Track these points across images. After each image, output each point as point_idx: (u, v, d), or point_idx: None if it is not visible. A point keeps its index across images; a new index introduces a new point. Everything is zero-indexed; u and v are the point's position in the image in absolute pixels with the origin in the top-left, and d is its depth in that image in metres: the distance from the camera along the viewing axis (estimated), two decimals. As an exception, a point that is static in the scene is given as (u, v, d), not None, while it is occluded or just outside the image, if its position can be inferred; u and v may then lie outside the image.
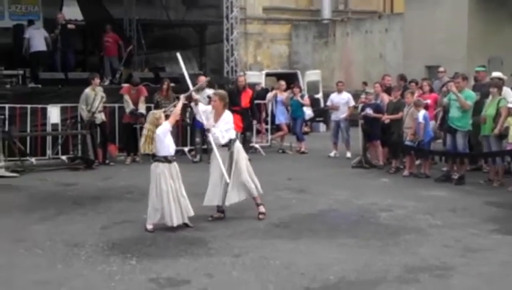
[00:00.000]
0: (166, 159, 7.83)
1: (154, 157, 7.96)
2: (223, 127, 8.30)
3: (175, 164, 7.97)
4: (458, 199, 9.95)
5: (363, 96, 14.06)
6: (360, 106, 13.83)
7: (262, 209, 8.42)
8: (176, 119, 8.18)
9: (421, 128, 11.79)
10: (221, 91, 9.17)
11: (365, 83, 20.13)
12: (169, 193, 7.76)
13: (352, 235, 7.71)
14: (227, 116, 8.43)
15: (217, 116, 8.38)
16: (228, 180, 8.12)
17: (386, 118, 12.70)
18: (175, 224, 7.73)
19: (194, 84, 14.36)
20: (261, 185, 8.56)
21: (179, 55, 9.29)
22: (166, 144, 7.81)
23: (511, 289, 5.88)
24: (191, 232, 7.78)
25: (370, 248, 7.15)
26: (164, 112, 8.48)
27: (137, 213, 8.74)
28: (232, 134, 8.43)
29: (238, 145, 8.47)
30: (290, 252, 6.99)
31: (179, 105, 8.21)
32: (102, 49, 17.49)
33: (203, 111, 8.51)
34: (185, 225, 7.91)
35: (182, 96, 8.59)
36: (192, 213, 7.98)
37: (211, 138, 8.30)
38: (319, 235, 7.71)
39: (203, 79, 14.13)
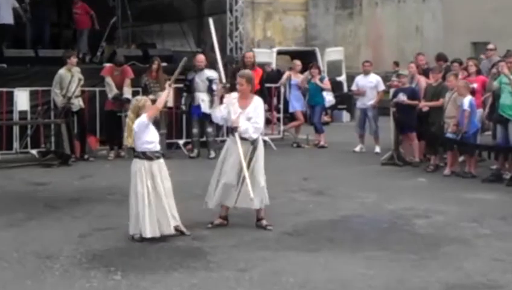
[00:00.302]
0: (144, 155, 7.83)
1: (134, 153, 8.00)
2: (257, 118, 8.28)
3: (159, 162, 7.93)
4: (510, 203, 9.94)
5: (394, 78, 14.05)
6: (392, 90, 13.82)
7: (265, 222, 8.40)
8: (156, 112, 8.12)
9: (465, 117, 11.77)
10: (247, 71, 9.03)
11: (396, 63, 20.11)
12: (144, 196, 7.73)
13: (382, 246, 7.71)
14: (258, 102, 8.42)
15: (244, 103, 8.32)
16: (249, 182, 8.05)
17: (424, 105, 12.68)
18: (148, 235, 7.69)
19: (226, 65, 14.57)
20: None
21: (211, 21, 9.30)
22: (144, 139, 7.81)
23: None
24: (187, 241, 7.80)
25: (403, 262, 7.14)
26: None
27: (122, 218, 8.71)
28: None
29: (260, 140, 8.48)
30: (307, 266, 6.99)
31: (164, 95, 8.19)
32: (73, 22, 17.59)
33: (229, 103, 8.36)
34: (180, 233, 7.92)
35: (168, 85, 8.54)
36: (176, 223, 7.93)
37: (237, 136, 8.22)
38: (342, 246, 7.71)
39: (201, 58, 14.20)
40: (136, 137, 7.79)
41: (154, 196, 7.75)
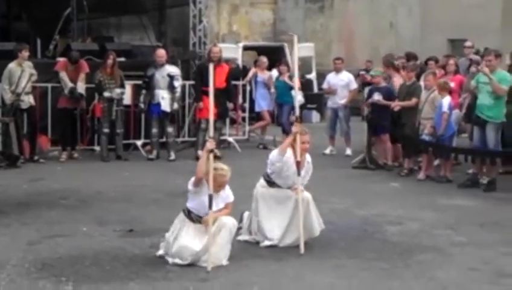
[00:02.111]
0: (189, 215, 7.49)
1: None
2: (307, 175, 8.49)
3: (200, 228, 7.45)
4: (488, 209, 10.06)
5: (363, 72, 14.12)
6: (367, 89, 13.89)
7: None
8: (197, 180, 7.44)
9: (444, 119, 11.86)
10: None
11: (369, 62, 20.22)
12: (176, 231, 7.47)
13: (352, 254, 7.76)
14: (308, 157, 8.51)
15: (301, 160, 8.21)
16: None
17: (396, 104, 12.73)
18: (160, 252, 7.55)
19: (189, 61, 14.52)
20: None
21: (295, 38, 9.08)
22: (189, 200, 7.54)
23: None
24: (145, 250, 7.76)
25: (374, 271, 7.19)
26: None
27: (75, 224, 8.75)
28: None
29: None
30: (273, 276, 7.00)
31: (201, 161, 7.48)
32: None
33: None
34: None
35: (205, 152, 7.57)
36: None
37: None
38: (310, 255, 7.73)
39: (162, 53, 14.16)
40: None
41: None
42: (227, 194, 7.62)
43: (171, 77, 13.88)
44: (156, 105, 13.90)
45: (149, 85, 13.97)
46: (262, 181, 8.35)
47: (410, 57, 14.32)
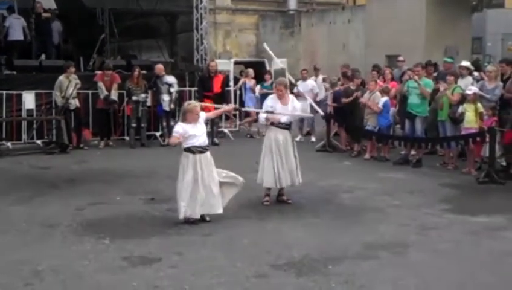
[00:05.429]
0: (189, 150, 7.29)
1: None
2: (297, 108, 8.47)
3: (205, 155, 7.31)
4: (415, 180, 10.09)
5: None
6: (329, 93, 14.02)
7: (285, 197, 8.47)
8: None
9: (377, 110, 11.95)
10: (283, 79, 8.70)
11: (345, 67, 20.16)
12: (184, 184, 7.19)
13: (316, 215, 7.78)
14: (293, 97, 8.53)
15: (285, 102, 8.30)
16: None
17: (347, 100, 12.76)
18: (181, 216, 7.19)
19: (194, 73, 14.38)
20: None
21: (265, 46, 9.60)
22: (187, 137, 7.26)
23: (463, 264, 6.01)
24: (162, 213, 7.77)
25: (332, 227, 7.22)
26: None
27: (111, 195, 8.74)
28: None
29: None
30: (258, 231, 7.03)
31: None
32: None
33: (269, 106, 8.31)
34: (202, 220, 7.32)
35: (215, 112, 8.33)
36: (219, 211, 7.35)
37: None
38: (285, 216, 7.76)
39: (161, 67, 14.10)
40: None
41: (195, 183, 7.20)
42: (202, 118, 7.40)
43: (169, 85, 13.82)
44: (160, 105, 13.91)
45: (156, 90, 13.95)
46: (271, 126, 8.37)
47: (354, 71, 14.25)
